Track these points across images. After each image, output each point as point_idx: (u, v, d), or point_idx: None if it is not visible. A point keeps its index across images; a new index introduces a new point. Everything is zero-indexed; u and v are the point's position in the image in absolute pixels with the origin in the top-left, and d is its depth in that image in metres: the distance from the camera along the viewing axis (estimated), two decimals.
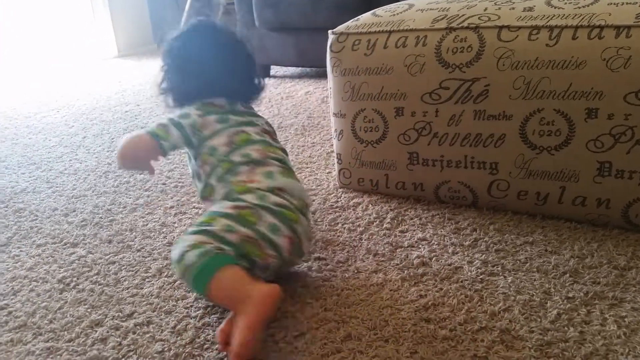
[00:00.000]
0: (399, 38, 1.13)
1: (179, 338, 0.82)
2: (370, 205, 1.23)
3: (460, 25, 1.07)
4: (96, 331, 0.85)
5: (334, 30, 1.21)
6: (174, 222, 1.21)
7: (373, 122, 1.19)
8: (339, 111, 1.24)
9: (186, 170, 1.54)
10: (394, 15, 1.18)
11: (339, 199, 1.28)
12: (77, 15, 3.75)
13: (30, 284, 0.99)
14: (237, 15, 2.68)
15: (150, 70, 3.24)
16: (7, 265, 1.07)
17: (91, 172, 1.56)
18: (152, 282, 0.98)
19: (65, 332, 0.85)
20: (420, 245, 1.05)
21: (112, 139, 1.89)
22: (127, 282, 0.98)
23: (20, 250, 1.12)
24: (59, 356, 0.80)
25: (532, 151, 1.06)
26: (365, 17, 1.21)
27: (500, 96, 1.05)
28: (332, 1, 2.35)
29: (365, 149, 1.23)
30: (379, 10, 1.23)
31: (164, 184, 1.45)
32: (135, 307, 0.90)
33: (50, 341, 0.83)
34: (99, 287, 0.97)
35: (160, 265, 1.03)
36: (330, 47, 1.20)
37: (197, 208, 1.28)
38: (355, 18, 1.22)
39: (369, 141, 1.22)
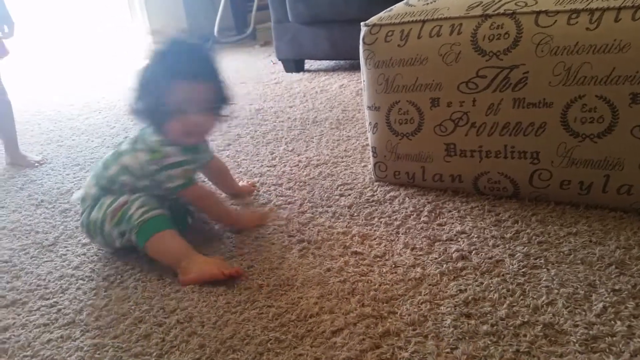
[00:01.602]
0: (433, 27, 1.11)
1: (219, 333, 0.84)
2: (407, 198, 1.22)
3: (496, 12, 1.05)
4: (140, 328, 0.87)
5: (366, 22, 1.19)
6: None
7: (408, 114, 1.18)
8: (373, 104, 1.22)
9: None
10: (428, 4, 1.15)
11: (375, 193, 1.27)
12: (116, 15, 3.83)
13: (77, 282, 1.03)
14: (270, 9, 2.69)
15: None
16: (55, 264, 1.11)
17: None
18: None
19: (111, 329, 0.88)
20: (460, 239, 1.04)
21: None
22: (169, 278, 1.00)
23: (67, 250, 1.16)
24: (105, 352, 0.83)
25: (574, 139, 1.03)
26: (398, 7, 1.20)
27: (539, 83, 1.02)
28: None
29: (401, 141, 1.22)
30: (412, 0, 1.21)
31: (203, 180, 1.47)
32: (178, 303, 0.92)
33: (97, 338, 0.86)
34: (142, 284, 1.00)
35: None
36: (363, 39, 1.19)
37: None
38: (388, 9, 1.21)
39: (404, 133, 1.20)
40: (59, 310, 0.95)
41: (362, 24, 1.20)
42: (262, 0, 3.94)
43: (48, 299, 0.99)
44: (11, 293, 1.02)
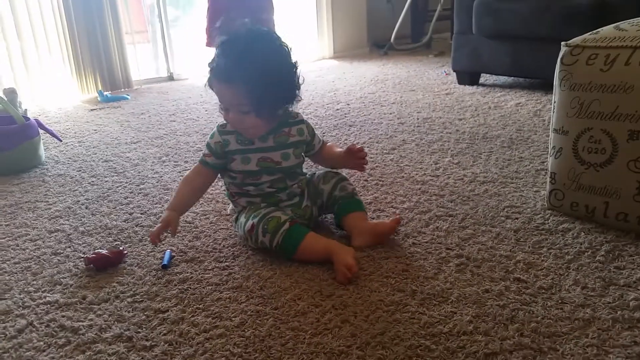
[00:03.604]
0: None
1: (371, 327, 0.86)
2: (582, 233, 1.13)
3: None
4: (298, 304, 0.93)
5: (568, 42, 1.13)
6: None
7: (600, 144, 1.09)
8: (561, 127, 1.15)
9: (388, 170, 1.59)
10: None
11: (546, 221, 1.19)
12: (303, 16, 4.08)
13: (247, 252, 1.13)
14: (454, 20, 2.66)
15: (360, 73, 3.40)
16: (230, 232, 1.23)
17: None
18: None
19: (273, 300, 0.95)
20: (639, 287, 0.94)
21: (324, 133, 2.03)
22: (329, 265, 1.05)
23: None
24: (265, 320, 0.90)
25: None
26: (607, 30, 1.11)
27: None
28: (560, 12, 2.19)
29: (586, 171, 1.13)
30: (623, 24, 1.11)
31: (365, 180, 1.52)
32: (334, 289, 0.97)
33: (259, 305, 0.94)
34: (305, 265, 1.06)
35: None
36: (562, 59, 1.12)
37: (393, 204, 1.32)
38: (595, 31, 1.13)
39: (591, 163, 1.11)
40: (230, 274, 1.05)
41: (562, 43, 1.13)
42: (444, 10, 3.91)
43: (221, 262, 1.10)
44: (191, 251, 1.15)
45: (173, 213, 1.13)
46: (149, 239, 1.13)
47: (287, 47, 1.10)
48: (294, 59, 1.11)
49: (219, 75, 1.06)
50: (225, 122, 1.14)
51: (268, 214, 1.09)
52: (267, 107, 1.08)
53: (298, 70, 1.11)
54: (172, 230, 1.11)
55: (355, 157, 1.19)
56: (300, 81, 1.12)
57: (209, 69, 1.08)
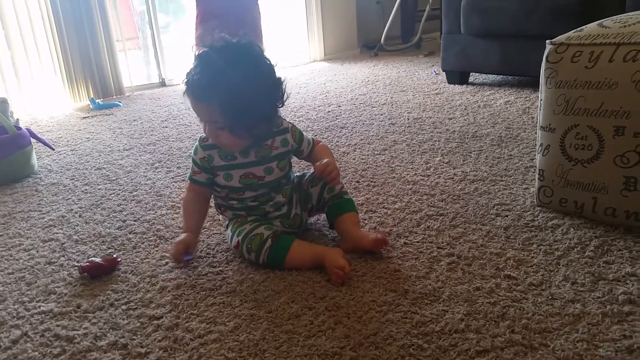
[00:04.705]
0: (628, 52, 1.02)
1: (364, 327, 0.87)
2: (571, 228, 1.14)
3: None
4: (292, 307, 0.94)
5: (552, 40, 1.14)
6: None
7: (586, 140, 1.10)
8: (548, 125, 1.16)
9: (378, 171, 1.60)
10: (625, 26, 1.07)
11: (536, 218, 1.21)
12: (293, 19, 4.10)
13: (241, 257, 1.13)
14: (442, 20, 2.68)
15: (351, 74, 3.41)
16: (224, 237, 1.23)
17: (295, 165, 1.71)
18: None
19: (266, 304, 0.96)
20: (628, 281, 0.95)
21: (315, 136, 2.04)
22: (320, 268, 1.05)
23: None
24: (259, 324, 0.90)
25: None
26: (591, 27, 1.12)
27: None
28: (548, 10, 2.21)
29: (574, 167, 1.14)
30: (606, 21, 1.13)
31: (357, 181, 1.53)
32: (327, 291, 0.98)
33: (253, 309, 0.95)
34: (297, 269, 1.06)
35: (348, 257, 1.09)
36: (547, 57, 1.14)
37: (387, 206, 1.33)
38: (579, 28, 1.14)
39: (579, 159, 1.13)
40: (224, 278, 1.05)
41: (547, 42, 1.15)
42: (433, 10, 3.94)
43: (215, 266, 1.10)
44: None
45: (190, 234, 1.13)
46: (172, 259, 1.13)
47: (269, 62, 1.06)
48: (278, 74, 1.07)
49: (193, 93, 1.04)
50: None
51: (251, 232, 1.09)
52: (243, 126, 1.05)
53: (283, 86, 1.07)
54: (191, 249, 1.12)
55: (325, 178, 1.16)
56: (285, 97, 1.09)
57: (185, 79, 1.05)
